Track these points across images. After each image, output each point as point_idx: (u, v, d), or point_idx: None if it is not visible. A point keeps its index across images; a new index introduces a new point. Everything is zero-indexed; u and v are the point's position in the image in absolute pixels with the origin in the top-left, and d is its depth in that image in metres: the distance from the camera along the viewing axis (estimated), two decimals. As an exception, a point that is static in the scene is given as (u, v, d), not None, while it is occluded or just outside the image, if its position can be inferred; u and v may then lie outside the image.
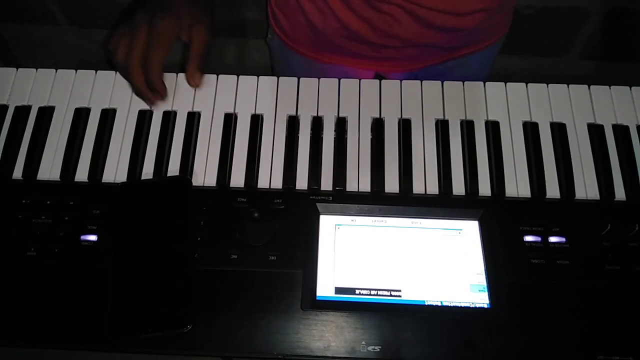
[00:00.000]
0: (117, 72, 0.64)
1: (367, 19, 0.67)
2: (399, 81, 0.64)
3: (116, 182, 0.58)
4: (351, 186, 0.58)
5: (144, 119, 0.61)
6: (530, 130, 0.60)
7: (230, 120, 0.61)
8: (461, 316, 0.51)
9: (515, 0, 0.75)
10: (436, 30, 0.68)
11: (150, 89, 0.59)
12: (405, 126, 0.60)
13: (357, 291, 0.52)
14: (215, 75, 0.63)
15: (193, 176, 0.58)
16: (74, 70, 0.65)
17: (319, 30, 0.71)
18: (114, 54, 0.59)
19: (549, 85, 0.63)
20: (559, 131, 0.60)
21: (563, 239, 0.55)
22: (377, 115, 0.62)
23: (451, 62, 0.77)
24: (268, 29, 0.85)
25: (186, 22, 0.59)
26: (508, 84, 0.64)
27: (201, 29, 0.59)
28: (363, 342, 0.50)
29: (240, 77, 0.64)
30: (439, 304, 0.52)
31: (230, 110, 0.62)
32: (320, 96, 0.63)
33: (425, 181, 0.58)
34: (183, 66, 0.61)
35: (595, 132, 0.60)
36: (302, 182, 0.58)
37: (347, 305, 0.51)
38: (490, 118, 0.62)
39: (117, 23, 0.61)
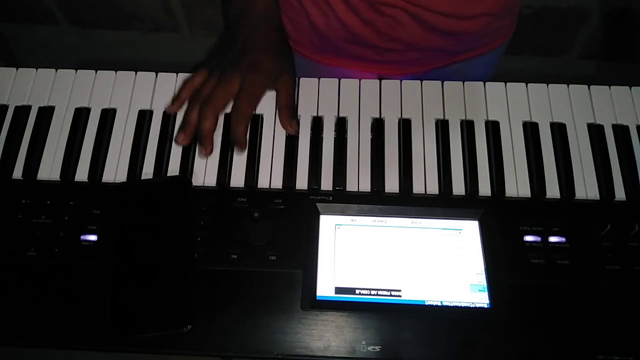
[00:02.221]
0: (117, 73, 0.65)
1: (371, 22, 0.67)
2: (399, 81, 0.64)
3: (116, 182, 0.58)
4: (351, 186, 0.58)
5: (144, 119, 0.61)
6: (530, 130, 0.60)
7: (230, 121, 0.61)
8: (461, 316, 0.51)
9: (520, 4, 0.74)
10: (440, 34, 0.68)
11: (235, 141, 0.59)
12: (405, 126, 0.60)
13: (357, 291, 0.52)
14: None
15: (193, 176, 0.58)
16: (74, 70, 0.65)
17: (322, 33, 0.71)
18: (189, 89, 0.61)
19: (549, 85, 0.63)
20: (559, 131, 0.60)
21: (563, 239, 0.55)
22: (377, 115, 0.62)
23: (455, 65, 0.76)
24: None
25: (275, 76, 0.61)
26: (508, 84, 0.64)
27: (287, 79, 0.62)
28: (363, 342, 0.50)
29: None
30: (439, 303, 0.52)
31: (230, 110, 0.62)
32: (320, 96, 0.63)
33: (425, 181, 0.58)
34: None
35: (595, 132, 0.60)
36: (302, 182, 0.58)
37: (347, 305, 0.51)
38: (490, 118, 0.62)
39: (202, 66, 0.63)
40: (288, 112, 0.60)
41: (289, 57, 0.65)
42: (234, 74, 0.60)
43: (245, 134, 0.59)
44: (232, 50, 0.63)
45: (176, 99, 0.62)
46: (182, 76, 0.64)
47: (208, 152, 0.59)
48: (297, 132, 0.60)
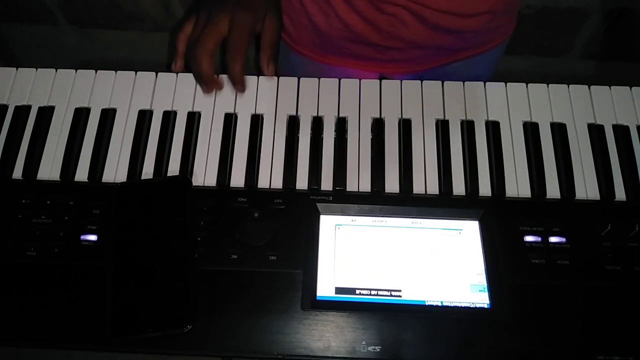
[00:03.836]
0: (117, 73, 0.64)
1: (372, 20, 0.66)
2: (399, 81, 0.64)
3: (116, 182, 0.58)
4: (351, 186, 0.58)
5: (144, 119, 0.61)
6: (530, 130, 0.60)
7: (230, 120, 0.61)
8: (461, 316, 0.51)
9: (520, 2, 0.74)
10: (441, 32, 0.68)
11: (232, 81, 0.59)
12: (405, 126, 0.60)
13: (358, 291, 0.52)
14: (215, 75, 0.63)
15: (193, 176, 0.58)
16: (74, 70, 0.65)
17: (322, 32, 0.71)
18: (184, 40, 0.60)
19: (549, 85, 0.63)
20: (559, 131, 0.60)
21: (563, 239, 0.55)
22: (377, 115, 0.62)
23: (456, 63, 0.77)
24: None
25: (261, 14, 0.60)
26: (508, 84, 0.63)
27: (273, 18, 0.61)
28: (363, 342, 0.50)
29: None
30: (439, 304, 0.52)
31: (230, 110, 0.62)
32: (320, 96, 0.63)
33: (425, 181, 0.58)
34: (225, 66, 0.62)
35: (595, 132, 0.60)
36: (302, 182, 0.58)
37: (347, 305, 0.51)
38: (491, 118, 0.62)
39: (189, 14, 0.62)
40: (270, 51, 0.60)
41: None
42: (222, 13, 0.58)
43: (242, 72, 0.58)
44: None
45: (175, 54, 0.61)
46: (182, 76, 0.64)
47: (218, 87, 0.60)
48: (273, 74, 0.61)
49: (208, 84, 0.59)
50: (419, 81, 0.64)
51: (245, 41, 0.58)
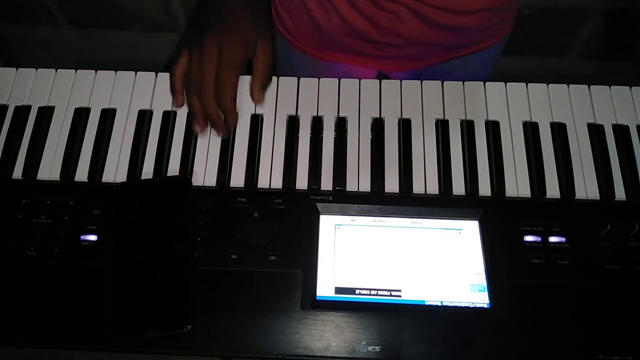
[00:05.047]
0: (117, 73, 0.65)
1: (371, 17, 0.67)
2: (399, 81, 0.64)
3: (116, 182, 0.58)
4: (351, 186, 0.58)
5: (144, 119, 0.61)
6: (530, 130, 0.60)
7: (230, 120, 0.61)
8: (461, 316, 0.51)
9: (519, 0, 0.74)
10: (439, 29, 0.68)
11: (225, 114, 0.59)
12: (405, 126, 0.60)
13: (357, 291, 0.52)
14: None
15: (193, 176, 0.58)
16: (74, 70, 0.65)
17: (322, 29, 0.71)
18: (181, 76, 0.60)
19: (549, 85, 0.63)
20: (559, 131, 0.60)
21: (563, 239, 0.55)
22: (377, 115, 0.62)
23: (454, 61, 0.77)
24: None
25: (252, 40, 0.60)
26: (508, 84, 0.64)
27: (265, 44, 0.61)
28: (363, 342, 0.50)
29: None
30: (439, 304, 0.52)
31: (230, 110, 0.62)
32: (320, 96, 0.63)
33: (425, 181, 0.58)
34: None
35: (595, 132, 0.60)
36: (302, 182, 0.58)
37: (347, 305, 0.51)
38: (490, 118, 0.62)
39: (182, 41, 0.62)
40: (261, 80, 0.60)
41: (267, 23, 0.64)
42: (212, 46, 0.58)
43: (233, 105, 0.58)
44: (207, 20, 0.61)
45: (175, 92, 0.61)
46: (182, 76, 0.64)
47: (225, 133, 0.60)
48: (261, 103, 0.61)
49: (219, 126, 0.60)
50: (419, 81, 0.64)
51: (236, 75, 0.58)
